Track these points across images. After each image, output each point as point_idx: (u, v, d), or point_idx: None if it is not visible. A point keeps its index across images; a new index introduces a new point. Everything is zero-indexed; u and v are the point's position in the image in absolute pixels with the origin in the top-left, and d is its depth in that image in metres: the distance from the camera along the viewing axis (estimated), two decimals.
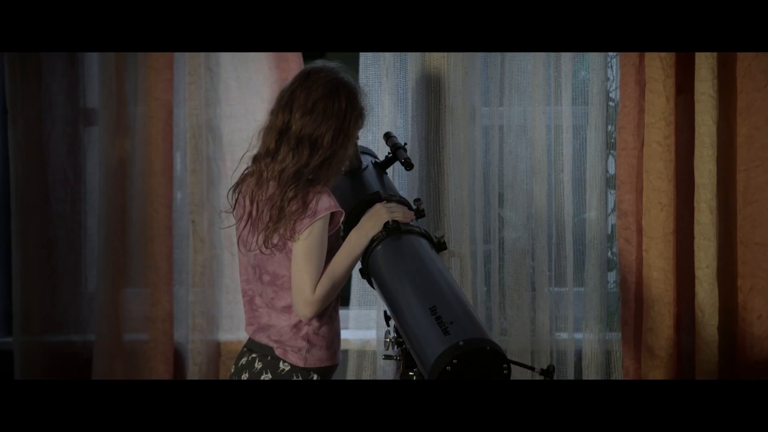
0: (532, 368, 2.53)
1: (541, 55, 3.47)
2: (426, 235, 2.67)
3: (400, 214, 2.67)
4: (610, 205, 3.62)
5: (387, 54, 3.51)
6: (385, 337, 2.63)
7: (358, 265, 2.70)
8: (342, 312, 2.84)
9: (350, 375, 3.57)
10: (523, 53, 3.48)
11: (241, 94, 3.55)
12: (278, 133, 2.68)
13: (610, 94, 3.59)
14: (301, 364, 2.69)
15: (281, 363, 2.70)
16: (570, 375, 3.51)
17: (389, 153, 2.91)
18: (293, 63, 3.53)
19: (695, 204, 3.41)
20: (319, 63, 2.74)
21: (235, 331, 3.60)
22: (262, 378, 2.70)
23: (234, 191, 2.77)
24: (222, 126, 3.54)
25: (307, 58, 3.54)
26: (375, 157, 3.01)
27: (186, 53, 3.51)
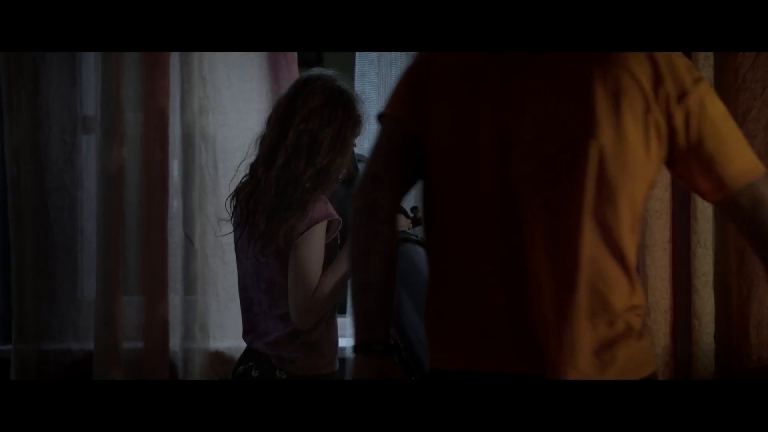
0: None
1: None
2: (423, 244, 2.66)
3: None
4: None
5: (383, 61, 3.50)
6: None
7: None
8: (339, 320, 2.83)
9: None
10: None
11: (234, 102, 3.53)
12: (275, 141, 2.68)
13: None
14: (297, 372, 2.69)
15: (278, 372, 2.69)
16: None
17: None
18: (288, 71, 3.52)
19: (692, 212, 3.41)
20: (316, 71, 2.74)
21: (227, 340, 3.57)
22: None
23: (232, 199, 2.77)
24: (215, 134, 3.53)
25: (301, 61, 3.53)
26: None
27: (180, 60, 3.50)
